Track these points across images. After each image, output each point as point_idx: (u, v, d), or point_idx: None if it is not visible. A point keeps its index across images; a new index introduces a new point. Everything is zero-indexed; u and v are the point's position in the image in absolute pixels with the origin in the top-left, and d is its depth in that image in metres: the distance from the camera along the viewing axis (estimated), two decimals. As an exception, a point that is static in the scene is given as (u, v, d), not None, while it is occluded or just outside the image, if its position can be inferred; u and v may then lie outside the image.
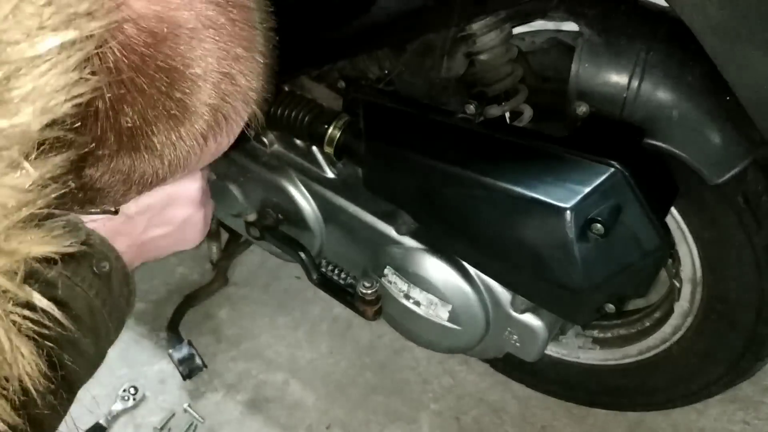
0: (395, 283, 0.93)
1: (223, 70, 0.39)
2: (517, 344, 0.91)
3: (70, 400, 0.68)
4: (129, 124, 0.36)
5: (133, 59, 0.34)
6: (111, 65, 0.34)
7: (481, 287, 0.88)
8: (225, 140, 0.43)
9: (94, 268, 0.71)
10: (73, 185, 0.36)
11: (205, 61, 0.37)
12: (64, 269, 0.68)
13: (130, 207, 0.79)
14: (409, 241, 0.91)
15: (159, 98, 0.36)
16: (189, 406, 1.24)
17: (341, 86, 0.92)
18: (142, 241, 0.80)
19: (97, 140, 0.36)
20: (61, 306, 0.66)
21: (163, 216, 0.81)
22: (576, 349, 1.08)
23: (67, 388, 0.67)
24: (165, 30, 0.35)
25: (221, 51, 0.38)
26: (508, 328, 0.90)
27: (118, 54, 0.34)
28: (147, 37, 0.34)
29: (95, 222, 0.74)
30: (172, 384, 1.28)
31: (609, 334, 1.06)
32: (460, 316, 0.90)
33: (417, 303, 0.92)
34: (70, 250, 0.70)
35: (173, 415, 1.23)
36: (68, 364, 0.67)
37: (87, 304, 0.69)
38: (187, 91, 0.37)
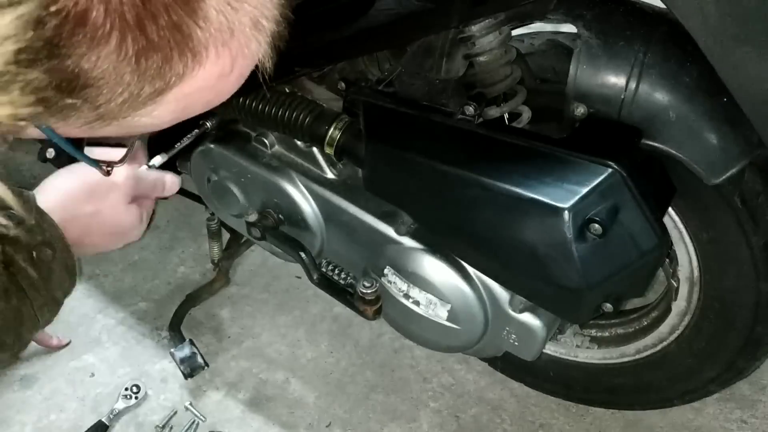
0: (395, 283, 0.94)
1: None
2: (516, 343, 0.92)
3: None
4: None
5: None
6: None
7: (480, 287, 0.89)
8: (226, 67, 0.38)
9: (34, 253, 0.64)
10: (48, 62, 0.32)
11: None
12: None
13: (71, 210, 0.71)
14: (408, 241, 0.91)
15: None
16: (190, 404, 1.25)
17: (341, 87, 0.92)
18: (84, 243, 0.73)
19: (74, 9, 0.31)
20: None
21: (85, 205, 0.74)
22: (574, 348, 1.09)
23: None
24: None
25: None
26: (507, 328, 0.91)
27: None
28: None
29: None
30: (173, 383, 1.28)
31: (607, 334, 1.07)
32: (459, 315, 0.91)
33: (416, 302, 0.93)
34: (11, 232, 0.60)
35: (175, 413, 1.24)
36: None
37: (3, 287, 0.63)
38: None
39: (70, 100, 0.35)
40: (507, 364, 1.19)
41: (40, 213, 0.66)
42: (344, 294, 0.98)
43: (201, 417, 1.23)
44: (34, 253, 0.64)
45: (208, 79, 0.38)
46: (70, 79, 0.34)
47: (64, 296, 0.69)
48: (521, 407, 1.21)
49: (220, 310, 1.43)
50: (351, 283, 1.00)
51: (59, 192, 0.73)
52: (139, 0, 0.32)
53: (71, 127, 0.38)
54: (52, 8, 0.30)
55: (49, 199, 0.70)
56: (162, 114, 0.40)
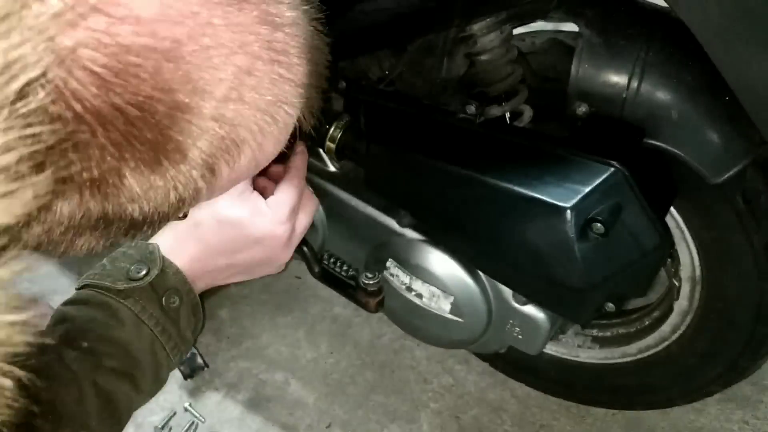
0: (397, 276, 0.93)
1: (223, 91, 0.32)
2: (519, 336, 0.91)
3: (122, 428, 0.68)
4: (88, 176, 0.29)
5: (88, 100, 0.28)
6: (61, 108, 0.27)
7: (484, 279, 0.88)
8: (250, 159, 0.36)
9: (163, 303, 0.68)
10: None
11: (204, 81, 0.31)
12: (133, 305, 0.66)
13: (206, 261, 0.73)
14: (410, 233, 0.91)
15: (128, 142, 0.30)
16: (190, 405, 1.24)
17: (342, 86, 0.92)
18: (213, 274, 0.76)
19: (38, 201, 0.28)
20: (122, 347, 0.65)
21: (243, 270, 0.77)
22: (575, 348, 1.08)
23: (117, 423, 0.67)
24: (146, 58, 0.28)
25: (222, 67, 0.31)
26: (510, 320, 0.90)
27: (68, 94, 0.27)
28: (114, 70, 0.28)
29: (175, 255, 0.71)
30: (172, 383, 1.28)
31: (608, 333, 1.07)
32: (462, 308, 0.91)
33: (419, 295, 0.93)
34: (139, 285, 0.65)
35: (174, 414, 1.24)
36: (121, 399, 0.66)
37: (150, 343, 0.67)
38: (172, 128, 0.31)
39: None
40: (508, 364, 1.19)
41: (164, 261, 0.70)
42: (346, 287, 0.98)
43: (200, 418, 1.23)
44: (163, 301, 0.68)
45: (234, 174, 0.37)
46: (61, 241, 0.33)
47: (193, 334, 0.73)
48: (522, 408, 1.21)
49: (220, 311, 1.42)
50: (353, 276, 0.99)
51: (178, 236, 0.75)
52: (112, 170, 0.30)
53: None
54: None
55: (168, 245, 0.73)
56: (206, 199, 0.39)
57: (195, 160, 0.33)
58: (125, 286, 0.67)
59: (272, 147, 0.39)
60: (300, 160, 0.80)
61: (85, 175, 0.29)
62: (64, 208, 0.31)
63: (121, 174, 0.30)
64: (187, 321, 0.71)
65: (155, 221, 0.35)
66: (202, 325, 0.75)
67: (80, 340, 0.64)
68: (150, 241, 0.73)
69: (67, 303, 0.68)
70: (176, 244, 0.73)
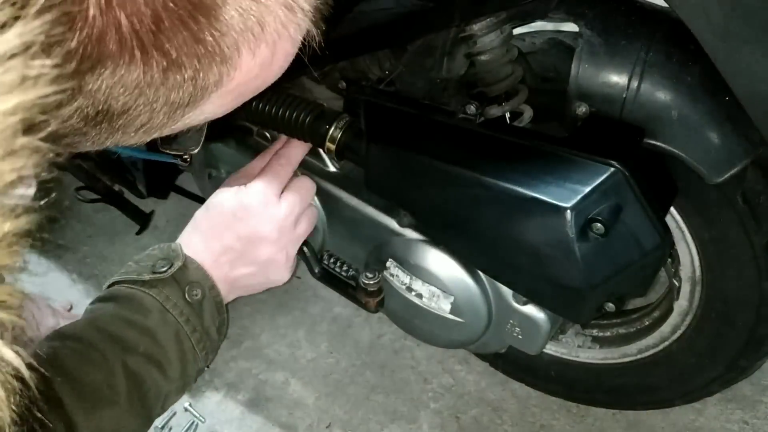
0: (397, 276, 0.93)
1: None
2: (519, 337, 0.91)
3: (151, 420, 0.70)
4: (127, 23, 0.31)
5: None
6: None
7: (484, 279, 0.89)
8: (266, 57, 0.37)
9: (186, 296, 0.72)
10: (72, 91, 0.31)
11: None
12: (157, 294, 0.70)
13: (213, 248, 0.79)
14: (411, 233, 0.91)
15: None
16: (190, 405, 1.24)
17: (342, 87, 0.92)
18: (233, 278, 0.80)
19: (89, 41, 0.30)
20: (148, 335, 0.68)
21: (246, 257, 0.81)
22: (575, 348, 1.08)
23: (146, 410, 0.68)
24: None
25: None
26: (510, 320, 0.90)
27: None
28: None
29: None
30: (172, 383, 1.28)
31: (608, 333, 1.07)
32: (462, 308, 0.91)
33: (419, 295, 0.93)
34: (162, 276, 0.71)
35: (174, 414, 1.24)
36: (150, 386, 0.68)
37: (175, 332, 0.70)
38: None
39: (108, 126, 0.36)
40: (508, 364, 1.19)
41: (186, 257, 0.76)
42: (346, 287, 0.98)
43: (200, 418, 1.23)
44: (186, 293, 0.73)
45: (249, 73, 0.38)
46: (104, 111, 0.34)
47: (218, 333, 0.76)
48: (522, 408, 1.21)
49: (220, 311, 1.43)
50: (353, 276, 0.99)
51: (200, 233, 0.80)
52: (152, 22, 0.31)
53: (128, 139, 0.39)
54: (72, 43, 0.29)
55: (191, 243, 0.78)
56: (212, 110, 0.40)
57: (224, 29, 0.34)
58: (150, 277, 0.72)
59: (284, 56, 0.40)
60: (290, 146, 0.89)
61: (128, 25, 0.31)
62: (108, 63, 0.31)
63: (158, 23, 0.31)
64: (211, 317, 0.75)
65: (178, 106, 0.36)
66: (227, 326, 0.78)
67: (109, 327, 0.68)
68: (174, 243, 0.78)
69: (95, 301, 0.73)
70: (186, 238, 0.80)
